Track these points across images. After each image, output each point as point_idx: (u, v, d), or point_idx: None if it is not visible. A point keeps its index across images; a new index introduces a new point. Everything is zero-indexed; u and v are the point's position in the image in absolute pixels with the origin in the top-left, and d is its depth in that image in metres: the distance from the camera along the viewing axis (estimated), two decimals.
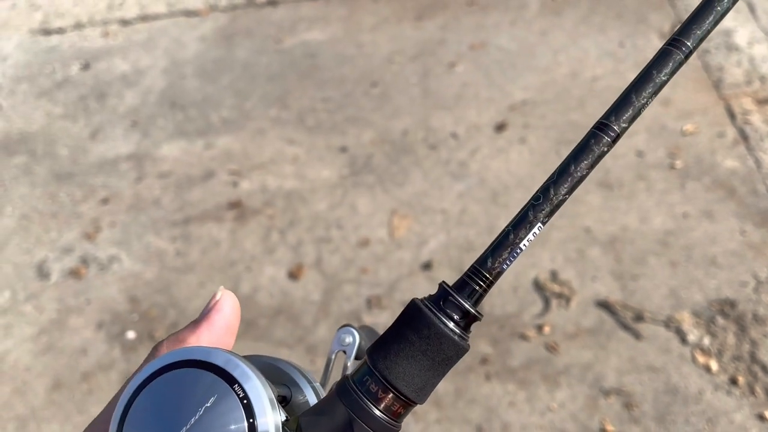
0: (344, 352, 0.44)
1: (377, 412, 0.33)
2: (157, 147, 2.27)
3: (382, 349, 0.33)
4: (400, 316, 0.34)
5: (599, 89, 2.19)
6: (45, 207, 2.11)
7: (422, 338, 0.33)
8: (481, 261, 0.33)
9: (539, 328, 1.65)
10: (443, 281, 0.34)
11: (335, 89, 2.38)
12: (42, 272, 1.94)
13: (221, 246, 1.96)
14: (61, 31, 2.81)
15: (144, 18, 2.79)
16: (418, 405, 0.34)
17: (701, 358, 1.53)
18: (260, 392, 0.31)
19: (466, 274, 0.34)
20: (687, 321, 1.60)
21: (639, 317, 1.62)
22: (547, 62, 2.31)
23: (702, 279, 1.68)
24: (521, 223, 0.34)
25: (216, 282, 1.86)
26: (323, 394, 0.40)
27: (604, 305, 1.66)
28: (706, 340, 1.56)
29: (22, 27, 2.85)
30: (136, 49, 2.66)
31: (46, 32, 2.81)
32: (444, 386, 1.57)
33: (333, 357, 0.45)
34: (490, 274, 0.33)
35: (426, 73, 2.38)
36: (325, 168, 2.13)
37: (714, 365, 1.52)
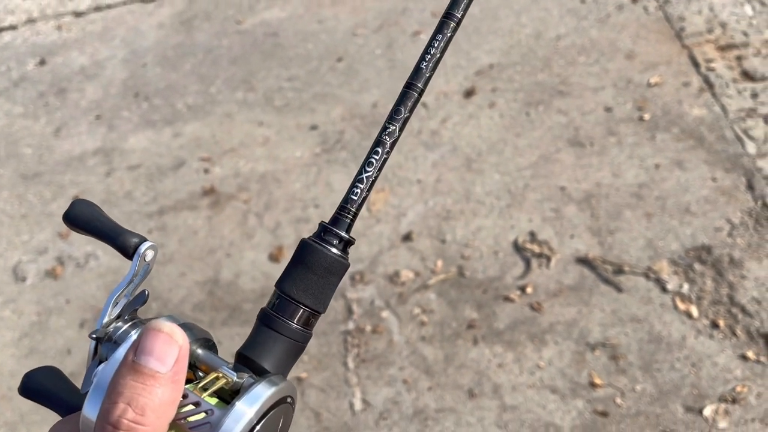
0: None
1: (295, 326, 0.40)
2: (124, 139, 2.22)
3: (285, 280, 0.41)
4: (294, 253, 0.42)
5: (563, 48, 2.19)
6: (13, 209, 2.07)
7: (313, 264, 0.41)
8: (346, 198, 0.41)
9: (522, 289, 1.67)
10: (322, 220, 0.42)
11: (300, 67, 2.35)
12: (17, 275, 1.91)
13: (199, 234, 1.94)
14: (12, 27, 2.72)
15: (98, 8, 2.71)
16: (323, 314, 0.42)
17: (682, 305, 1.56)
18: None
19: (337, 210, 0.42)
20: (665, 270, 1.63)
21: (619, 270, 1.65)
22: (510, 24, 2.30)
23: (677, 227, 1.70)
24: (370, 155, 0.42)
25: (196, 271, 1.85)
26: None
27: (584, 261, 1.69)
28: (686, 287, 1.59)
29: None
30: (93, 41, 2.59)
31: None
32: (433, 353, 1.59)
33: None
34: (353, 205, 0.41)
35: (390, 44, 2.36)
36: (297, 147, 2.11)
37: (695, 311, 1.55)
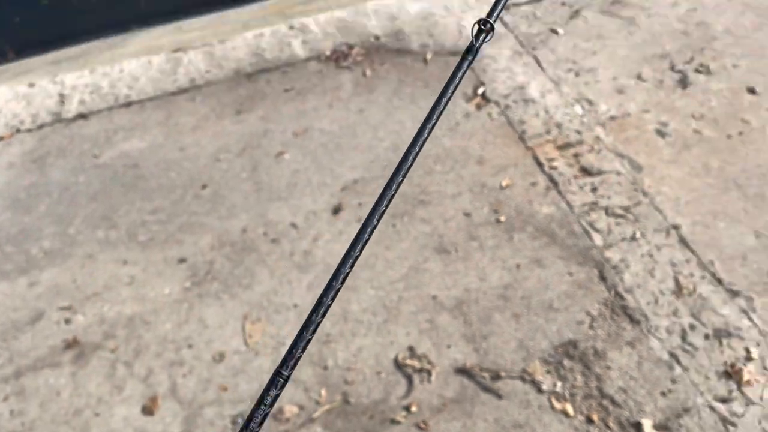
0: None
1: None
2: None
3: None
4: None
5: (420, 158, 2.30)
6: None
7: None
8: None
9: (407, 409, 1.67)
10: None
11: (164, 197, 2.31)
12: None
13: (62, 394, 1.80)
14: None
15: None
16: None
17: (558, 405, 1.62)
18: None
19: None
20: (539, 370, 1.69)
21: (496, 376, 1.70)
22: (368, 139, 2.40)
23: (544, 325, 1.79)
24: None
25: None
26: None
27: (463, 371, 1.72)
28: (559, 385, 1.66)
29: None
30: None
31: None
32: None
33: None
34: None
35: (255, 167, 2.38)
36: (166, 284, 2.04)
37: (570, 409, 1.62)
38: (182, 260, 2.10)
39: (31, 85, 2.78)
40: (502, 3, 0.80)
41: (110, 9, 5.50)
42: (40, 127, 2.62)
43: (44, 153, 2.52)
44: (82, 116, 2.64)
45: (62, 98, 2.70)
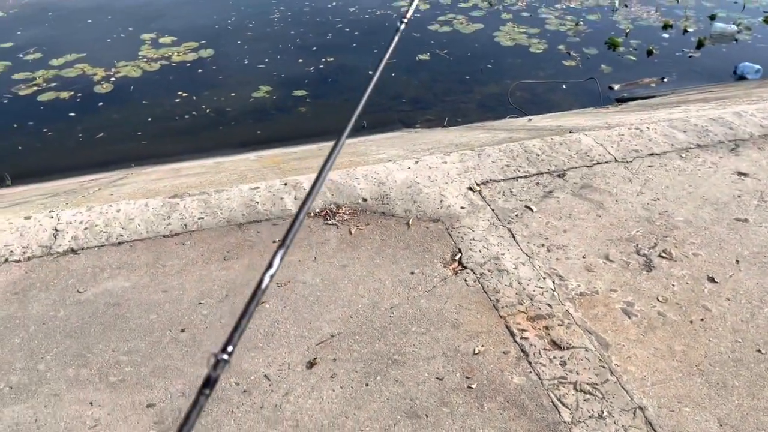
0: None
1: None
2: None
3: None
4: None
5: (397, 317, 2.38)
6: None
7: None
8: None
9: None
10: None
11: (141, 339, 2.32)
12: None
13: None
14: None
15: None
16: None
17: None
18: None
19: None
20: None
21: None
22: (349, 295, 2.48)
23: None
24: None
25: None
26: None
27: None
28: None
29: None
30: None
31: None
32: None
33: None
34: None
35: (236, 314, 2.42)
36: (130, 430, 2.00)
37: None
38: (151, 405, 2.07)
39: (27, 217, 2.88)
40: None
41: (111, 145, 5.79)
42: (29, 258, 2.68)
43: (28, 285, 2.56)
44: (72, 251, 2.71)
45: (56, 232, 2.79)
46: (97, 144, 5.85)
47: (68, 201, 3.17)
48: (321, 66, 6.95)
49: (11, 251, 2.69)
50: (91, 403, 2.08)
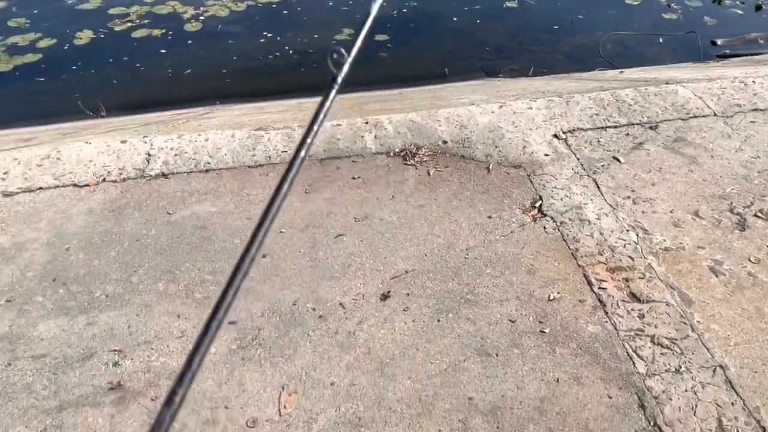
0: None
1: None
2: (33, 326, 2.17)
3: None
4: None
5: (471, 259, 2.38)
6: None
7: None
8: None
9: None
10: None
11: (225, 260, 2.43)
12: None
13: None
14: None
15: (28, 190, 2.76)
16: None
17: None
18: None
19: None
20: None
21: None
22: (424, 234, 2.50)
23: None
24: None
25: None
26: None
27: None
28: None
29: None
30: (18, 222, 2.61)
31: None
32: None
33: None
34: None
35: (314, 244, 2.49)
36: (213, 343, 2.11)
37: None
38: (232, 322, 2.18)
39: (123, 141, 3.02)
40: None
41: (198, 82, 5.95)
42: (124, 180, 2.83)
43: (123, 204, 2.70)
44: (163, 175, 2.84)
45: (149, 157, 2.92)
46: (185, 80, 6.02)
47: (159, 130, 3.31)
48: (405, 11, 6.84)
49: (108, 172, 2.85)
50: (178, 316, 2.20)
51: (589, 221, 2.50)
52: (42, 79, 5.97)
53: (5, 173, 2.84)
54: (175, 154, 2.94)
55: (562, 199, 2.61)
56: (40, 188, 2.77)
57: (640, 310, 2.14)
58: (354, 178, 2.80)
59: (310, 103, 4.88)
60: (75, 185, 2.79)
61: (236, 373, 2.01)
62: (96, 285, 2.33)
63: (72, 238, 2.53)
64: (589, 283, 2.25)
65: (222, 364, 2.03)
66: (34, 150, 2.99)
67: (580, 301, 2.19)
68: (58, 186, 2.79)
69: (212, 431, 1.84)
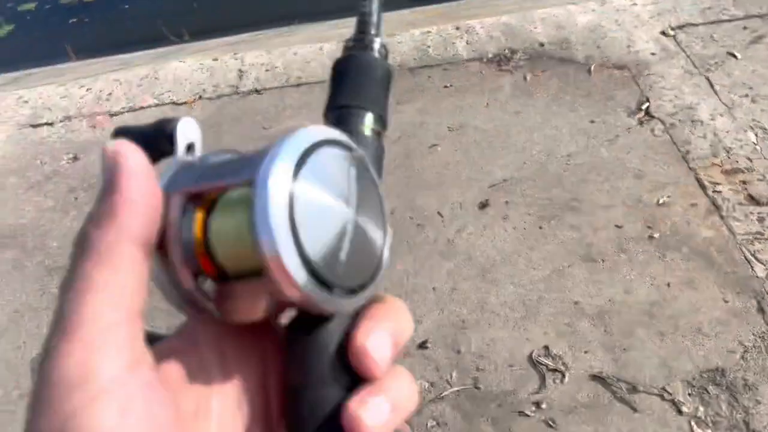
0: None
1: (368, 133, 0.38)
2: None
3: (338, 96, 0.39)
4: (337, 74, 0.40)
5: (573, 165, 2.29)
6: (37, 302, 2.11)
7: (362, 71, 0.39)
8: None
9: (537, 405, 1.67)
10: (349, 39, 0.41)
11: None
12: (35, 369, 1.92)
13: None
14: (49, 124, 2.86)
15: (132, 109, 2.87)
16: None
17: (698, 430, 1.56)
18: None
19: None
20: (680, 392, 1.63)
21: (633, 389, 1.66)
22: (522, 141, 2.42)
23: (690, 348, 1.72)
24: None
25: None
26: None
27: (599, 378, 1.69)
28: (701, 411, 1.59)
29: (11, 121, 2.90)
30: None
31: (35, 126, 2.86)
32: None
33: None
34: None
35: (408, 155, 2.47)
36: None
37: None
38: None
39: (215, 59, 3.05)
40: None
41: (274, 4, 5.89)
42: (219, 96, 2.87)
43: (220, 120, 2.76)
44: (256, 91, 2.87)
45: (240, 73, 2.94)
46: (260, 2, 5.98)
47: (248, 47, 3.32)
48: None
49: (204, 89, 2.90)
50: None
51: (702, 122, 2.34)
52: (126, 6, 6.09)
53: (109, 94, 2.95)
54: (266, 70, 2.95)
55: (671, 100, 2.45)
56: (142, 107, 2.87)
57: (759, 213, 2.01)
58: (446, 86, 2.72)
59: (395, 14, 4.75)
60: (174, 103, 2.87)
61: None
62: None
63: None
64: (703, 187, 2.12)
65: None
66: (134, 71, 3.08)
67: (692, 205, 2.08)
68: (158, 105, 2.87)
69: None
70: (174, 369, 0.33)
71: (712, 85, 2.49)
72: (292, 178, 0.30)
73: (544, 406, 1.66)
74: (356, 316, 0.35)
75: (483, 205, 2.23)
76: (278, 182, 0.29)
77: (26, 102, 2.98)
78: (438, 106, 2.64)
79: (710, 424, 1.57)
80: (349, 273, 0.33)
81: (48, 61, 4.24)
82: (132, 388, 0.28)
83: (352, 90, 0.39)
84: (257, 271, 0.31)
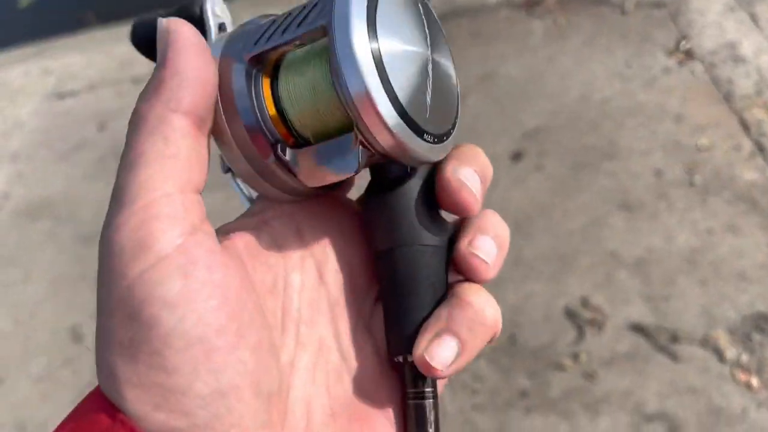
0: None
1: None
2: None
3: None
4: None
5: (610, 110, 2.21)
6: (72, 271, 2.15)
7: None
8: None
9: (575, 357, 1.65)
10: None
11: None
12: (76, 336, 1.96)
13: None
14: (74, 93, 2.87)
15: None
16: None
17: (741, 376, 1.52)
18: None
19: None
20: (723, 339, 1.59)
21: (674, 338, 1.62)
22: (555, 88, 2.33)
23: (733, 294, 1.67)
24: None
25: None
26: None
27: (638, 328, 1.66)
28: (744, 357, 1.55)
29: (36, 93, 2.92)
30: None
31: (60, 96, 2.88)
32: (486, 423, 1.57)
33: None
34: None
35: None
36: None
37: (755, 382, 1.51)
38: None
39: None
40: None
41: None
42: None
43: None
44: None
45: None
46: None
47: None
48: None
49: None
50: None
51: (745, 60, 2.22)
52: None
53: (131, 60, 2.93)
54: None
55: (711, 38, 2.32)
56: None
57: None
58: (474, 34, 2.64)
59: None
60: None
61: None
62: None
63: None
64: (746, 128, 2.03)
65: None
66: None
67: (734, 147, 1.99)
68: None
69: None
70: (244, 243, 0.33)
71: (755, 20, 2.35)
72: (367, 20, 0.28)
73: (582, 358, 1.64)
74: (434, 168, 0.33)
75: (516, 157, 2.17)
76: (357, 25, 0.27)
77: (50, 72, 2.99)
78: (466, 55, 2.56)
79: (753, 371, 1.53)
80: (435, 117, 0.32)
81: (71, 29, 4.24)
82: (192, 255, 0.28)
83: None
84: (339, 129, 0.29)
